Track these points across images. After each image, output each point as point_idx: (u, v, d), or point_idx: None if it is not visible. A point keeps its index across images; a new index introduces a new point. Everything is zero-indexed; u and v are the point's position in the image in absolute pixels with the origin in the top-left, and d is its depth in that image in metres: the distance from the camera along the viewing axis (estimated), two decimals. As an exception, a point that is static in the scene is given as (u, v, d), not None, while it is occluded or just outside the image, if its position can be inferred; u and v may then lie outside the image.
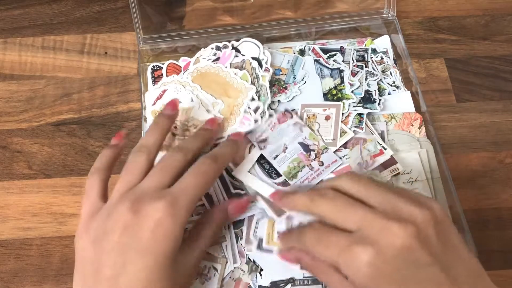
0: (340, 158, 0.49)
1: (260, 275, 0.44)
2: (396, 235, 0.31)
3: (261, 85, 0.51)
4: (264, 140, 0.48)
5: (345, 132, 0.50)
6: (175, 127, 0.48)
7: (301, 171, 0.48)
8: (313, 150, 0.49)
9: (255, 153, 0.48)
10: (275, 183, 0.47)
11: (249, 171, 0.48)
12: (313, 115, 0.51)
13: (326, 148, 0.49)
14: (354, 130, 0.50)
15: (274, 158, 0.48)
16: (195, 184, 0.37)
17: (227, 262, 0.44)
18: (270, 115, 0.51)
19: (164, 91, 0.52)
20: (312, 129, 0.50)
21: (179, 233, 0.34)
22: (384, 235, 0.31)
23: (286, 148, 0.49)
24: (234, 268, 0.44)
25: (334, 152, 0.49)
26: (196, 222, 0.42)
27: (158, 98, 0.51)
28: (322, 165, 0.48)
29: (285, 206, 0.41)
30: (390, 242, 0.31)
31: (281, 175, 0.47)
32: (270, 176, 0.47)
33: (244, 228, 0.45)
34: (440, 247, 0.32)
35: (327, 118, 0.51)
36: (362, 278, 0.32)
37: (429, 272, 0.31)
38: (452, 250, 0.32)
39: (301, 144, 0.49)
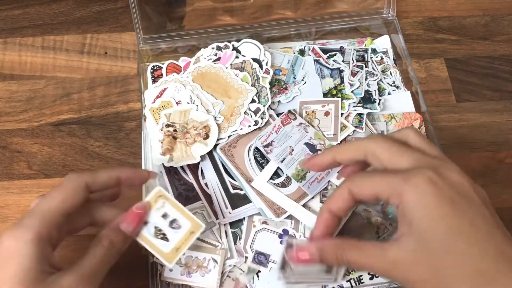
0: None
1: (258, 276, 0.44)
2: (453, 170, 0.33)
3: (261, 86, 0.51)
4: (270, 144, 0.48)
5: (346, 127, 0.50)
6: (175, 130, 0.48)
7: (309, 172, 0.47)
8: (320, 150, 0.49)
9: (272, 166, 0.48)
10: (287, 194, 0.47)
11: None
12: (312, 111, 0.51)
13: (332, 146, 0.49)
14: (354, 130, 0.50)
15: (282, 161, 0.48)
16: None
17: (226, 255, 0.44)
18: (270, 116, 0.51)
19: (164, 89, 0.52)
20: (312, 125, 0.50)
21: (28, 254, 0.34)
22: (441, 168, 0.32)
23: (293, 150, 0.48)
24: (233, 266, 0.44)
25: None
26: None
27: (158, 96, 0.51)
28: None
29: (334, 154, 0.37)
30: (448, 174, 0.32)
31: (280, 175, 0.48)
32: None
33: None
34: (485, 201, 0.33)
35: (327, 114, 0.51)
36: (420, 196, 0.31)
37: (483, 211, 0.31)
38: (493, 211, 0.33)
39: (307, 144, 0.49)
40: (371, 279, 0.44)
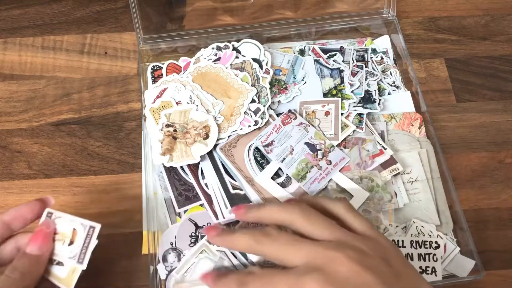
0: (347, 155, 0.49)
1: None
2: (341, 262, 0.33)
3: (261, 86, 0.51)
4: (270, 144, 0.48)
5: (347, 126, 0.50)
6: (175, 130, 0.48)
7: (309, 171, 0.47)
8: (320, 150, 0.48)
9: (274, 165, 0.48)
10: (290, 192, 0.47)
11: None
12: (312, 111, 0.51)
13: (332, 146, 0.49)
14: (354, 130, 0.50)
15: (282, 161, 0.48)
16: None
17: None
18: (270, 116, 0.51)
19: (164, 89, 0.52)
20: (312, 125, 0.50)
21: None
22: (330, 264, 0.33)
23: (293, 149, 0.48)
24: None
25: (336, 146, 0.49)
26: None
27: (158, 96, 0.51)
28: (330, 163, 0.48)
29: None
30: (337, 270, 0.33)
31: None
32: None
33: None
34: (387, 271, 0.33)
35: (327, 113, 0.51)
36: None
37: None
38: (398, 276, 0.34)
39: (307, 144, 0.49)
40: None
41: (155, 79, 0.54)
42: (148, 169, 0.50)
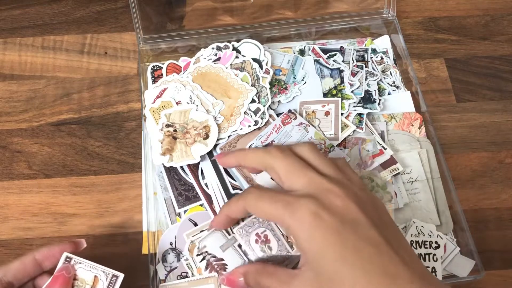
0: (347, 155, 0.48)
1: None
2: (338, 195, 0.34)
3: (261, 86, 0.51)
4: (270, 144, 0.48)
5: (347, 126, 0.50)
6: (175, 131, 0.48)
7: None
8: (320, 149, 0.48)
9: None
10: None
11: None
12: (312, 111, 0.51)
13: (332, 146, 0.49)
14: (354, 130, 0.50)
15: None
16: None
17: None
18: (270, 116, 0.51)
19: (164, 89, 0.52)
20: (312, 125, 0.50)
21: None
22: (327, 195, 0.34)
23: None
24: None
25: (337, 146, 0.49)
26: None
27: (158, 97, 0.51)
28: None
29: (239, 161, 0.41)
30: (332, 201, 0.34)
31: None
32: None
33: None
34: (376, 217, 0.34)
35: (327, 113, 0.51)
36: (306, 230, 0.33)
37: (368, 232, 0.33)
38: (385, 224, 0.35)
39: None
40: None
41: (155, 79, 0.54)
42: (148, 169, 0.50)
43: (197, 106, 0.50)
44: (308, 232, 0.33)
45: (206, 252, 0.39)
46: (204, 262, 0.39)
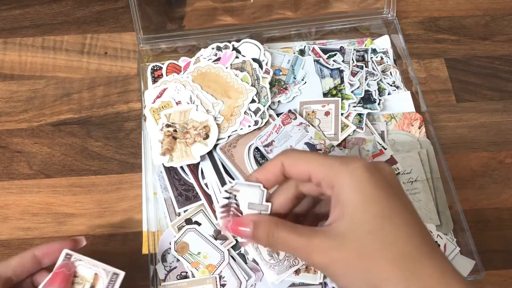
0: (347, 155, 0.48)
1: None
2: (386, 166, 0.33)
3: (261, 86, 0.51)
4: (270, 144, 0.48)
5: (347, 126, 0.50)
6: (175, 131, 0.48)
7: None
8: (320, 150, 0.48)
9: None
10: None
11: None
12: (313, 111, 0.51)
13: (332, 146, 0.49)
14: (354, 130, 0.50)
15: None
16: None
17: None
18: (270, 116, 0.51)
19: (164, 89, 0.52)
20: (312, 125, 0.50)
21: None
22: (376, 163, 0.33)
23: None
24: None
25: (337, 146, 0.49)
26: None
27: (158, 97, 0.51)
28: None
29: (260, 175, 0.35)
30: (382, 167, 0.33)
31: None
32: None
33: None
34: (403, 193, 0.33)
35: (327, 113, 0.51)
36: (356, 180, 0.31)
37: (406, 200, 0.32)
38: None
39: (308, 144, 0.49)
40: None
41: (155, 79, 0.54)
42: (148, 169, 0.50)
43: (197, 106, 0.50)
44: (357, 183, 0.31)
45: (235, 196, 0.35)
46: (226, 201, 0.35)
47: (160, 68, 0.54)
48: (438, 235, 0.46)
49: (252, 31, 0.57)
